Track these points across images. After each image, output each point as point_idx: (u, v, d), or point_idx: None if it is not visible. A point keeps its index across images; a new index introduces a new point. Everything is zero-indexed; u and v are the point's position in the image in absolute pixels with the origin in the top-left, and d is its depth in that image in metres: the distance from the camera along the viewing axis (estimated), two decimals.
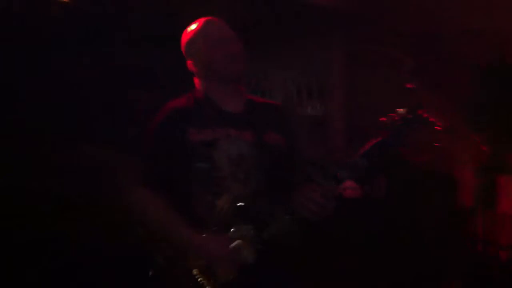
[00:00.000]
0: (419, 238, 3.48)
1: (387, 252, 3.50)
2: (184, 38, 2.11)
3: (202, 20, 2.11)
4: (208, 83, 2.09)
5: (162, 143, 2.03)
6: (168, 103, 2.10)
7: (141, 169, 2.05)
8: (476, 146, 2.55)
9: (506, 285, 3.17)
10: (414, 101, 1.96)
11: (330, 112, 4.98)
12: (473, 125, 3.14)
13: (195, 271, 1.95)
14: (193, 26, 2.11)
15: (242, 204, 1.98)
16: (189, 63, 2.10)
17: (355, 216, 3.43)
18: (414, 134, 1.87)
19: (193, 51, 2.07)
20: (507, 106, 3.14)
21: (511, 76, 3.29)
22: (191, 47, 2.09)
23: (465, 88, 3.41)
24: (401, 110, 1.87)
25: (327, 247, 3.39)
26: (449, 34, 3.91)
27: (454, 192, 3.50)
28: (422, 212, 3.53)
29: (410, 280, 3.48)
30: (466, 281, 3.27)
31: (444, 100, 3.14)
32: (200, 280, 1.95)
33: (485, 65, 3.40)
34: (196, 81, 2.13)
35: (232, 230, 1.96)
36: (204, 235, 1.95)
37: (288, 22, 4.22)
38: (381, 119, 1.88)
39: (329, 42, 4.58)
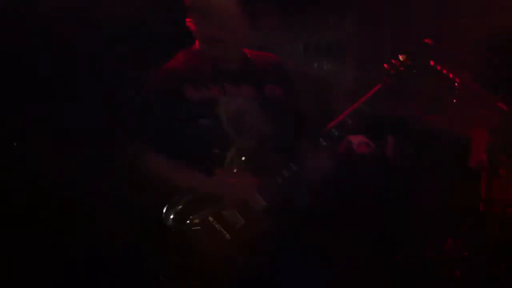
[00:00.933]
0: (424, 198, 3.48)
1: (390, 212, 3.52)
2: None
3: None
4: (205, 43, 2.09)
5: (160, 104, 2.04)
6: (163, 65, 2.11)
7: (144, 133, 2.06)
8: (493, 105, 2.53)
9: (507, 245, 3.19)
10: (430, 56, 1.94)
11: (337, 69, 4.95)
12: (491, 84, 3.10)
13: (211, 218, 1.97)
14: None
15: (251, 160, 2.00)
16: (189, 20, 2.08)
17: (363, 174, 3.43)
18: (417, 81, 1.88)
19: (195, 14, 2.05)
20: None
21: None
22: (194, 9, 2.06)
23: (482, 47, 3.35)
24: (402, 56, 1.88)
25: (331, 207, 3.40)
26: None
27: (465, 151, 3.49)
28: (430, 172, 3.53)
29: (412, 239, 3.51)
30: (467, 240, 3.29)
31: (461, 58, 3.11)
32: (218, 227, 1.97)
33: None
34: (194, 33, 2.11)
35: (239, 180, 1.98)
36: (226, 173, 1.98)
37: None
38: (384, 65, 1.89)
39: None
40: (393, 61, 1.91)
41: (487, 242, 3.22)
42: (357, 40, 4.56)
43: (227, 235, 1.96)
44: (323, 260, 2.12)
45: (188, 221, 1.97)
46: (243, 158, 2.01)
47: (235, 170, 2.01)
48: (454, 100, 1.98)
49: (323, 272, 2.10)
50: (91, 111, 3.06)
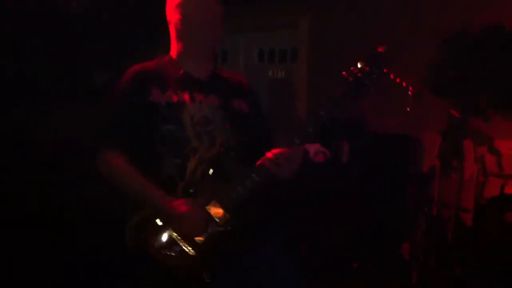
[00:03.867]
0: (376, 201, 3.53)
1: (344, 215, 3.55)
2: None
3: None
4: (182, 45, 2.11)
5: (126, 104, 2.02)
6: (133, 66, 2.10)
7: (106, 132, 2.03)
8: (444, 111, 2.59)
9: (461, 248, 3.26)
10: (384, 64, 1.97)
11: (294, 75, 4.98)
12: (441, 90, 3.18)
13: (174, 234, 1.94)
14: None
15: (212, 171, 1.99)
16: (177, 19, 2.10)
17: (319, 180, 3.45)
18: (374, 87, 1.91)
19: (183, 13, 2.07)
20: (474, 71, 3.18)
21: (477, 43, 3.32)
22: (183, 8, 2.08)
23: (432, 54, 3.43)
24: (360, 64, 1.91)
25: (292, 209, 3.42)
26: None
27: (418, 156, 3.56)
28: (383, 176, 3.58)
29: (365, 242, 3.55)
30: (420, 243, 3.36)
31: (412, 65, 3.17)
32: (182, 243, 1.94)
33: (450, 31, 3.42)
34: (173, 39, 2.14)
35: (201, 191, 1.97)
36: (174, 198, 1.94)
37: None
38: (342, 72, 1.92)
39: (294, 5, 4.53)
40: (352, 68, 1.93)
41: (440, 246, 3.29)
42: (313, 47, 4.61)
43: (191, 250, 1.93)
44: (287, 267, 2.11)
45: (153, 240, 1.93)
46: (211, 171, 1.99)
47: (191, 190, 1.98)
48: (408, 109, 2.00)
49: (286, 280, 2.09)
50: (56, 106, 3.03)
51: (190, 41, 2.09)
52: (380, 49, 1.98)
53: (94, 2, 3.44)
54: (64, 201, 3.19)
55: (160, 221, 1.94)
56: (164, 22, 2.15)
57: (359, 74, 1.91)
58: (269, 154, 1.94)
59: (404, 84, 1.97)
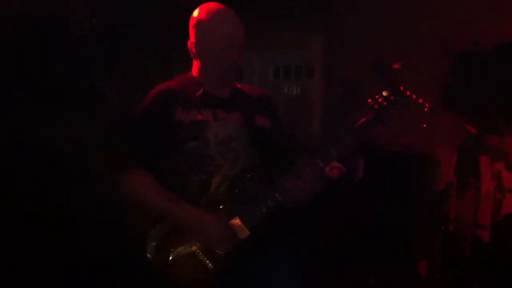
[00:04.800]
0: (393, 217, 3.52)
1: (360, 231, 3.54)
2: (195, 19, 2.08)
3: (220, 9, 2.08)
4: (202, 67, 2.11)
5: (150, 123, 2.04)
6: (158, 86, 2.11)
7: (130, 151, 2.05)
8: (460, 127, 2.59)
9: (478, 264, 3.24)
10: (398, 82, 1.99)
11: (309, 93, 5.00)
12: (454, 107, 3.18)
13: (194, 247, 1.96)
14: (209, 11, 2.07)
15: (238, 188, 2.01)
16: (190, 42, 2.10)
17: (336, 198, 3.45)
18: (398, 115, 1.93)
19: (199, 37, 2.07)
20: (487, 87, 3.18)
21: (489, 61, 3.33)
22: (199, 32, 2.07)
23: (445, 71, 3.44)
24: (385, 92, 1.92)
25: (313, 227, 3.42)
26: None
27: (434, 172, 3.55)
28: (399, 193, 3.57)
29: (383, 259, 3.53)
30: (437, 260, 3.33)
31: (425, 82, 3.18)
32: (201, 257, 1.95)
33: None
34: (194, 61, 2.15)
35: (224, 208, 1.99)
36: (203, 212, 1.97)
37: (268, 2, 4.19)
38: (368, 100, 1.94)
39: (309, 23, 4.57)
40: (376, 96, 1.95)
41: (458, 263, 3.27)
42: (326, 64, 4.64)
43: (210, 264, 1.95)
44: (301, 282, 2.11)
45: (171, 252, 1.95)
46: (236, 191, 2.01)
47: (221, 207, 2.00)
48: (424, 125, 2.02)
49: None
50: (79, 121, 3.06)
51: (207, 63, 2.09)
52: (396, 66, 2.00)
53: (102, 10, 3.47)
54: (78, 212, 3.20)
55: (184, 234, 1.96)
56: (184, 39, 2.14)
57: (384, 103, 1.92)
58: (291, 177, 1.95)
59: (420, 101, 1.99)
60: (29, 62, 3.14)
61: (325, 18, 4.45)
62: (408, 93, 1.97)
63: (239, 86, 2.19)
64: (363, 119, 1.93)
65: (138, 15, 3.54)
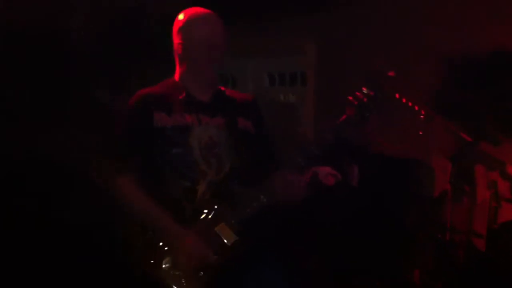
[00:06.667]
0: (386, 225, 3.51)
1: (352, 239, 3.52)
2: (180, 22, 2.12)
3: (203, 12, 2.13)
4: (184, 68, 2.13)
5: (133, 129, 2.05)
6: (139, 90, 2.12)
7: (116, 157, 2.05)
8: (455, 135, 2.58)
9: (473, 273, 3.22)
10: (392, 87, 1.99)
11: (302, 99, 5.01)
12: (448, 114, 3.18)
13: (182, 258, 1.94)
14: (192, 14, 2.12)
15: (223, 194, 1.98)
16: (177, 43, 2.12)
17: (330, 204, 3.44)
18: (378, 110, 1.93)
19: (183, 38, 2.10)
20: (485, 96, 3.19)
21: (485, 69, 3.34)
22: (183, 34, 2.11)
23: (438, 78, 3.44)
24: (365, 88, 1.93)
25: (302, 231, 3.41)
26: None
27: (428, 180, 3.54)
28: (394, 201, 3.56)
29: (377, 267, 3.52)
30: (431, 269, 3.32)
31: (418, 89, 3.18)
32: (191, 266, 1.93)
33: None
34: (177, 62, 2.16)
35: (209, 213, 1.98)
36: (180, 228, 1.96)
37: (262, 8, 4.19)
38: (349, 97, 1.95)
39: (302, 29, 4.57)
40: (357, 93, 1.95)
41: (452, 271, 3.25)
42: (320, 71, 4.64)
43: (201, 272, 1.93)
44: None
45: (164, 261, 1.95)
46: (221, 196, 2.00)
47: (205, 211, 1.98)
48: (420, 132, 2.01)
49: None
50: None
51: (191, 66, 2.11)
52: (390, 73, 1.99)
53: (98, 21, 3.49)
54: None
55: (169, 245, 1.95)
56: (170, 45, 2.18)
57: (365, 99, 1.93)
58: (276, 177, 1.95)
59: (416, 108, 1.98)
60: (26, 66, 3.14)
61: (320, 25, 4.45)
62: (404, 100, 1.97)
63: (222, 89, 2.20)
64: (344, 116, 1.94)
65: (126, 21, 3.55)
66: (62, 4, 3.28)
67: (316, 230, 3.50)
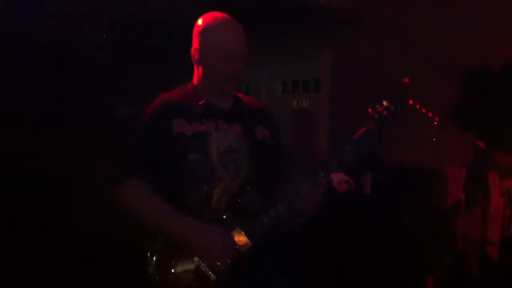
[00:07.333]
0: (399, 233, 3.50)
1: (370, 250, 3.51)
2: (201, 26, 2.10)
3: (225, 17, 2.10)
4: (201, 74, 2.11)
5: (151, 134, 2.03)
6: (159, 96, 2.12)
7: (131, 162, 2.05)
8: (470, 143, 2.57)
9: (487, 282, 3.20)
10: (407, 96, 1.99)
11: (317, 106, 5.01)
12: (462, 123, 3.17)
13: (196, 260, 1.95)
14: (215, 19, 2.09)
15: (239, 200, 2.00)
16: (194, 49, 2.10)
17: (344, 211, 3.44)
18: (398, 125, 1.92)
19: (203, 44, 2.07)
20: (498, 105, 3.18)
21: (498, 78, 3.34)
22: (203, 39, 2.08)
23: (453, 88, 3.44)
24: (385, 102, 1.92)
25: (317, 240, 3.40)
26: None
27: (442, 188, 3.53)
28: (407, 209, 3.55)
29: (388, 274, 3.51)
30: (444, 278, 3.30)
31: (433, 98, 3.17)
32: (203, 267, 1.94)
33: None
34: (195, 68, 2.15)
35: (226, 219, 1.98)
36: (203, 224, 1.96)
37: (277, 17, 4.21)
38: (369, 110, 1.94)
39: (317, 37, 4.59)
40: (377, 106, 1.94)
41: (466, 280, 3.23)
42: (335, 79, 4.65)
43: (212, 275, 1.93)
44: None
45: (173, 266, 1.95)
46: (238, 202, 2.00)
47: (224, 216, 1.99)
48: (434, 139, 2.00)
49: None
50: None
51: (207, 72, 2.09)
52: (405, 80, 1.99)
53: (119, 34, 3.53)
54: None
55: (184, 247, 1.95)
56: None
57: (385, 112, 1.92)
58: (293, 185, 1.94)
59: (430, 115, 1.98)
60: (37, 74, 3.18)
61: (333, 33, 4.46)
62: (418, 107, 1.96)
63: (240, 95, 2.20)
64: (363, 129, 1.93)
65: (144, 27, 3.58)
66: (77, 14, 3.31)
67: (321, 232, 3.48)
